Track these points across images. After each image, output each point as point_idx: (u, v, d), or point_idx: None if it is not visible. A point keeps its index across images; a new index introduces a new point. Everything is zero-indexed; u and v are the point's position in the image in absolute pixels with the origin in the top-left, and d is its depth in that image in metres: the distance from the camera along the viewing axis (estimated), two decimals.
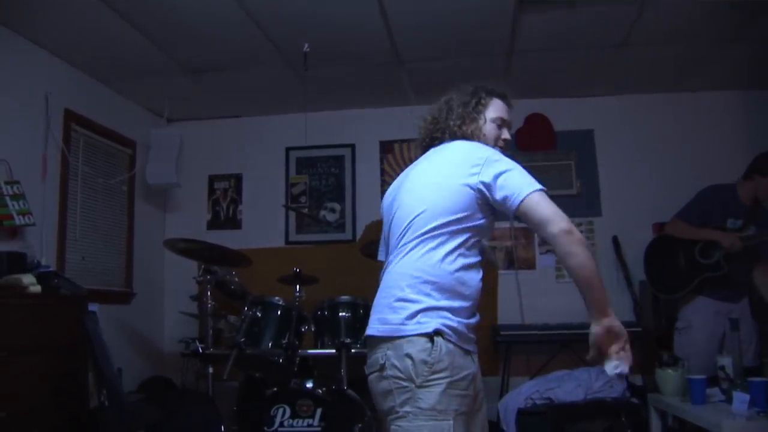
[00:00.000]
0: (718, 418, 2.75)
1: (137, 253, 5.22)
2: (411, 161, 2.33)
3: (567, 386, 4.31)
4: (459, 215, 1.98)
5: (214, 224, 5.74)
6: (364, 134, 5.71)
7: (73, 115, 4.48)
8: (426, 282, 1.94)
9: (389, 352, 1.91)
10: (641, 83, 5.22)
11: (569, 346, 4.81)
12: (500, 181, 1.95)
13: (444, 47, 4.49)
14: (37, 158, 4.12)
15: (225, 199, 5.79)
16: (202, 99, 5.36)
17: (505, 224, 5.34)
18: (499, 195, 1.95)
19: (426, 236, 1.99)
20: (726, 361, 3.30)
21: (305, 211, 5.58)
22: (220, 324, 4.35)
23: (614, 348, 1.86)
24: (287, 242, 5.62)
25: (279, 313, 3.79)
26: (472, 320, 2.03)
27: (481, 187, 1.97)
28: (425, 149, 2.30)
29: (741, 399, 2.81)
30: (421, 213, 2.01)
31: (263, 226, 5.65)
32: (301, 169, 5.74)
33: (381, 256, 2.29)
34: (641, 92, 5.36)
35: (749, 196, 3.95)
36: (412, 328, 1.90)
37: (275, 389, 3.69)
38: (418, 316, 1.91)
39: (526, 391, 4.37)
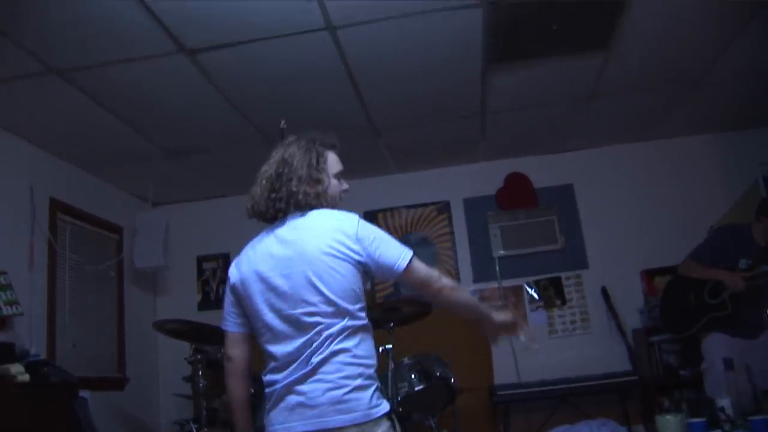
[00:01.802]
0: None
1: (129, 338, 5.18)
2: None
3: None
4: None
5: (204, 305, 5.72)
6: (347, 206, 5.68)
7: (58, 204, 4.53)
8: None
9: None
10: (614, 134, 5.33)
11: (567, 400, 4.77)
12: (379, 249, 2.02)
13: (418, 115, 4.61)
14: (24, 248, 4.15)
15: (214, 279, 5.79)
16: (186, 181, 5.44)
17: (494, 284, 5.36)
18: (382, 262, 2.01)
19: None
20: (725, 402, 3.28)
21: None
22: (215, 403, 4.28)
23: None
24: None
25: None
26: None
27: (365, 260, 2.01)
28: (269, 220, 2.10)
29: None
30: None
31: None
32: None
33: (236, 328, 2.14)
34: (615, 143, 5.47)
35: (763, 236, 3.94)
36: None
37: None
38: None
39: None
